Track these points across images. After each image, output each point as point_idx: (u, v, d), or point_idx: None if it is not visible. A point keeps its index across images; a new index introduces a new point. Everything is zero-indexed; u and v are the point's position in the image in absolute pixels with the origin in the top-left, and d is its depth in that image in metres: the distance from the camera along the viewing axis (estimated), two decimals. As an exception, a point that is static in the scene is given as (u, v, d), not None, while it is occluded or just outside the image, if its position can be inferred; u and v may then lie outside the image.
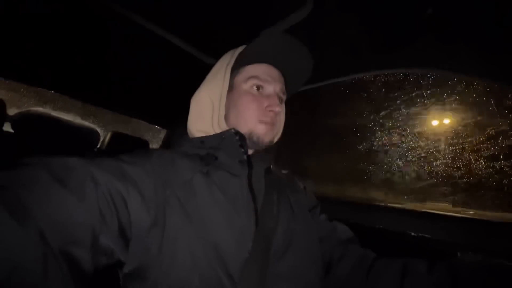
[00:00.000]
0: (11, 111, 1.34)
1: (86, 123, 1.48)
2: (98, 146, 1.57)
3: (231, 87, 0.66)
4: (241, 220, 0.53)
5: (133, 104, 1.64)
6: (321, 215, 0.75)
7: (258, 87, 0.65)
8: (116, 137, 1.65)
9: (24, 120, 1.30)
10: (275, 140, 0.71)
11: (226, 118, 0.65)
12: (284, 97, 0.71)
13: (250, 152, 0.65)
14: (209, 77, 0.69)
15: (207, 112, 0.65)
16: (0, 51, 1.16)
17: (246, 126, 0.63)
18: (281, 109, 0.67)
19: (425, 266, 0.55)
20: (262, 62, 0.68)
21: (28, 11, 0.97)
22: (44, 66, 1.27)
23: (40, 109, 1.35)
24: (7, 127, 1.31)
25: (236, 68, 0.67)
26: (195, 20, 0.92)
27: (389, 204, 1.20)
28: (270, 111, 0.63)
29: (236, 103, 0.65)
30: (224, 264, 0.47)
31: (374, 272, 0.60)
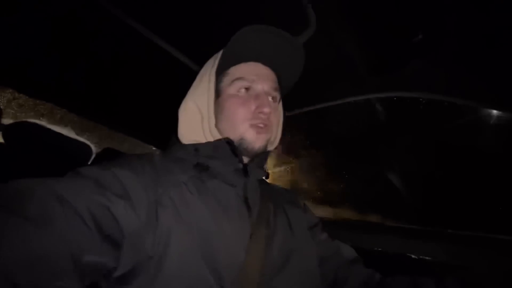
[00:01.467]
0: (6, 121, 1.32)
1: (80, 138, 1.46)
2: (89, 162, 1.52)
3: (218, 93, 0.62)
4: (235, 230, 0.50)
5: (129, 121, 1.63)
6: (322, 234, 0.70)
7: (245, 89, 0.61)
8: (108, 154, 1.61)
9: (15, 131, 1.27)
10: (273, 145, 0.67)
11: (217, 126, 0.60)
12: (278, 95, 0.65)
13: (245, 160, 0.61)
14: (195, 84, 0.65)
15: (196, 121, 0.61)
16: (4, 60, 1.17)
17: (236, 132, 0.58)
18: (272, 109, 0.60)
19: (434, 282, 0.54)
20: (248, 61, 0.63)
21: (31, 26, 1.01)
22: (45, 78, 1.28)
23: (33, 120, 1.34)
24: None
25: (221, 71, 0.63)
26: (200, 39, 0.96)
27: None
28: (260, 112, 0.58)
29: (223, 109, 0.60)
30: (216, 274, 0.43)
31: None
